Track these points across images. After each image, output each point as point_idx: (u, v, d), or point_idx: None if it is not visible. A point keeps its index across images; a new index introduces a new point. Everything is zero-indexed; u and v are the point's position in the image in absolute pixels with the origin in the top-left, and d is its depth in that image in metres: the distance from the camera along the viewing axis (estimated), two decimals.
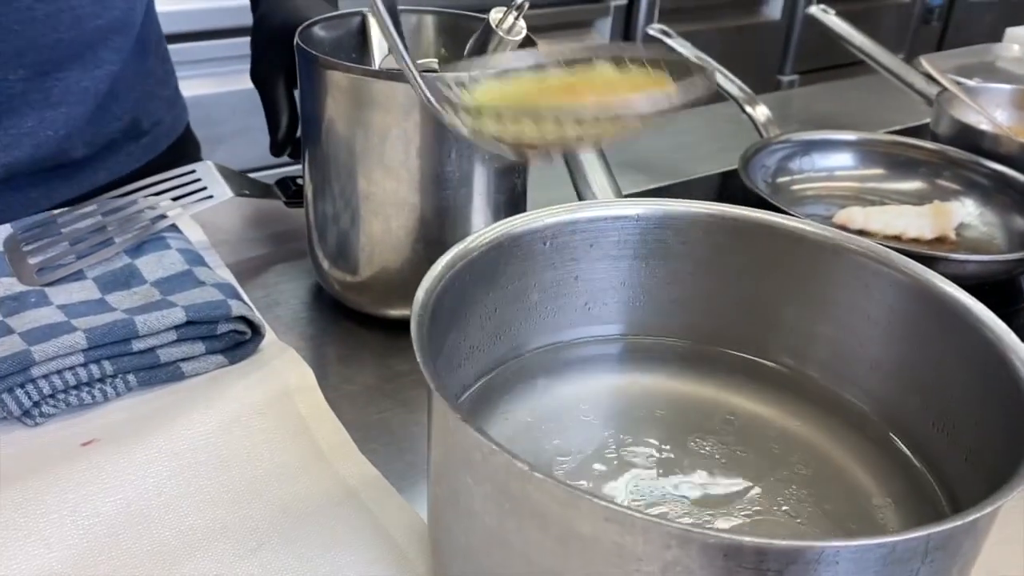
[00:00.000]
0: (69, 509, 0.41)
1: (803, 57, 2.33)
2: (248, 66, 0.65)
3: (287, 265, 0.64)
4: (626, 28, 1.99)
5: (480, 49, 0.50)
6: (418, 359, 0.33)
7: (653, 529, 0.26)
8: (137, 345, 0.48)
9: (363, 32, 0.59)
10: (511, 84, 0.40)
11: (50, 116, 0.63)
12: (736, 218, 0.42)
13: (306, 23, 0.54)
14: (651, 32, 0.86)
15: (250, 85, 0.65)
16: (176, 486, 0.43)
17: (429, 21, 0.58)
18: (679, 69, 0.36)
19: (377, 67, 0.56)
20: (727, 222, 0.43)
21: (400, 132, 0.50)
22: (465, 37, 0.55)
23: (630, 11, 1.98)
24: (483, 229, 0.40)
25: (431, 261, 0.53)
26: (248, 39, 0.66)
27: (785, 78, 2.32)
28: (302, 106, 0.56)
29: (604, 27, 1.95)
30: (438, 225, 0.53)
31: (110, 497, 0.42)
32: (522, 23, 0.47)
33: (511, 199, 0.56)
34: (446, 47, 0.57)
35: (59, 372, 0.46)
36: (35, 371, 0.46)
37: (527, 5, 0.47)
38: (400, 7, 0.56)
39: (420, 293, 0.36)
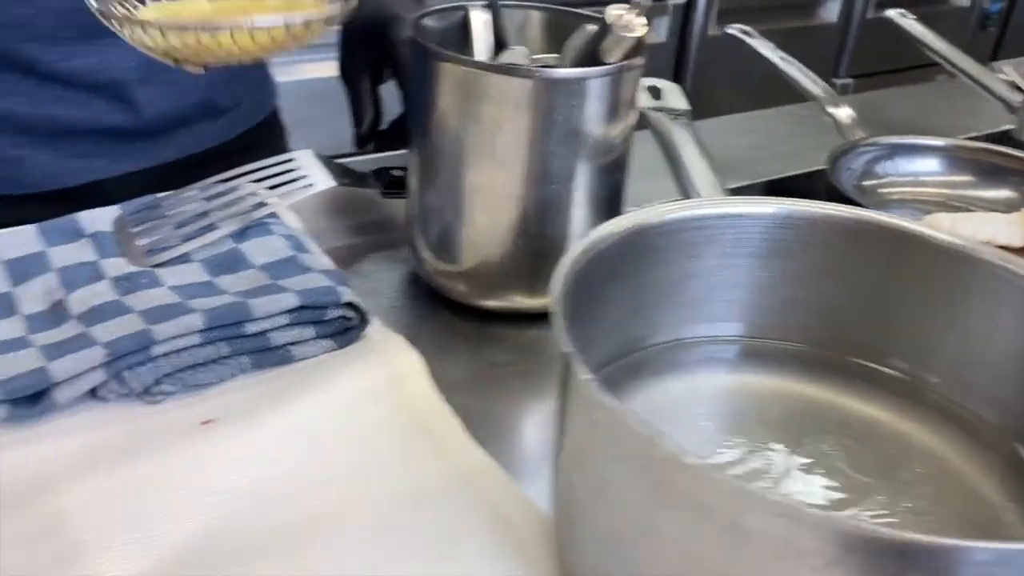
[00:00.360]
0: (196, 487, 0.42)
1: (858, 61, 2.31)
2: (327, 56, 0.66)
3: (381, 254, 0.64)
4: (683, 28, 1.99)
5: (595, 45, 0.50)
6: (565, 349, 0.33)
7: (825, 525, 0.26)
8: (250, 328, 0.49)
9: (465, 27, 0.60)
10: (185, 5, 0.46)
11: None
12: (860, 220, 0.42)
13: (418, 15, 0.55)
14: (731, 31, 0.86)
15: (321, 75, 0.66)
16: (296, 468, 0.44)
17: (535, 17, 0.59)
18: None
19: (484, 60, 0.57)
20: (851, 224, 0.43)
21: (512, 127, 0.50)
22: (568, 34, 0.56)
23: (688, 10, 1.97)
24: (611, 221, 0.40)
25: (532, 254, 0.55)
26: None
27: (839, 81, 2.30)
28: (411, 98, 0.57)
29: (661, 27, 1.95)
30: (541, 219, 0.54)
31: (234, 477, 0.42)
32: (642, 19, 0.48)
33: (612, 195, 0.56)
34: (551, 43, 0.58)
35: (177, 352, 0.48)
36: (155, 350, 0.47)
37: (649, 4, 0.47)
38: (505, 2, 0.57)
39: (557, 284, 0.36)
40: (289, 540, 0.40)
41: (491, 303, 0.58)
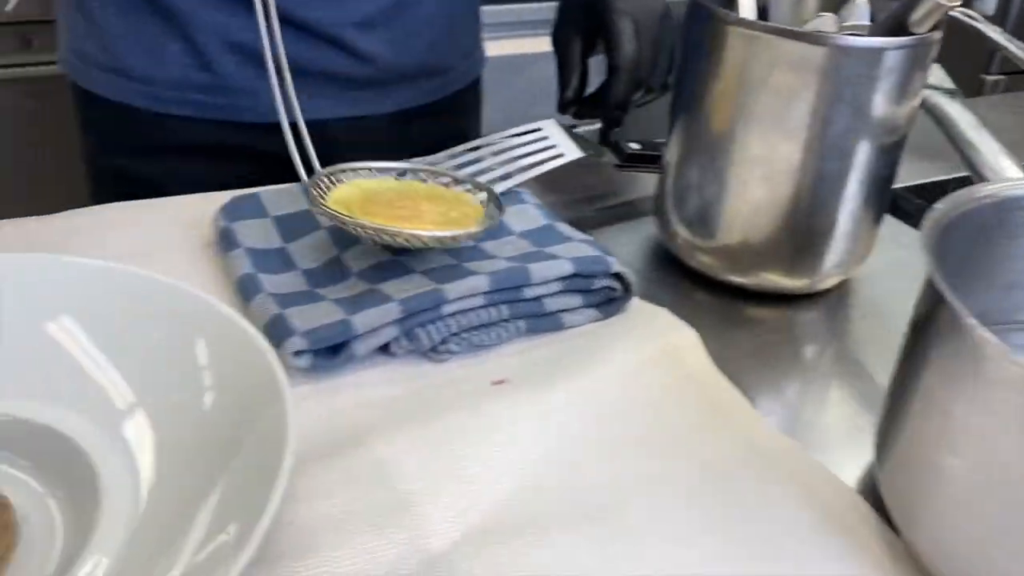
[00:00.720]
0: (496, 448, 0.41)
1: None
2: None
3: (616, 226, 0.64)
4: None
5: (904, 14, 0.48)
6: (967, 323, 0.31)
7: None
8: (528, 293, 0.49)
9: None
10: (363, 186, 0.52)
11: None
12: None
13: None
14: (956, 15, 0.82)
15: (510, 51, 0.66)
16: (591, 433, 0.43)
17: None
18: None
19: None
20: None
21: (803, 95, 0.49)
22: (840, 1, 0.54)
23: None
24: (972, 188, 0.38)
25: (798, 232, 0.53)
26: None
27: (991, 78, 2.20)
28: (682, 66, 0.56)
29: None
30: (814, 196, 0.52)
31: (531, 439, 0.42)
32: None
33: (888, 176, 0.54)
34: (826, 7, 0.56)
35: (464, 312, 0.48)
36: (445, 309, 0.47)
37: None
38: None
39: (928, 240, 0.35)
40: (597, 506, 0.39)
41: (744, 280, 0.56)
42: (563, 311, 0.50)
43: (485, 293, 0.48)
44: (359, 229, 0.48)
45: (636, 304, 0.53)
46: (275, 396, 0.34)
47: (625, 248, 0.62)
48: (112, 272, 0.39)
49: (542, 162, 0.59)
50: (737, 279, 0.57)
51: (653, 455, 0.42)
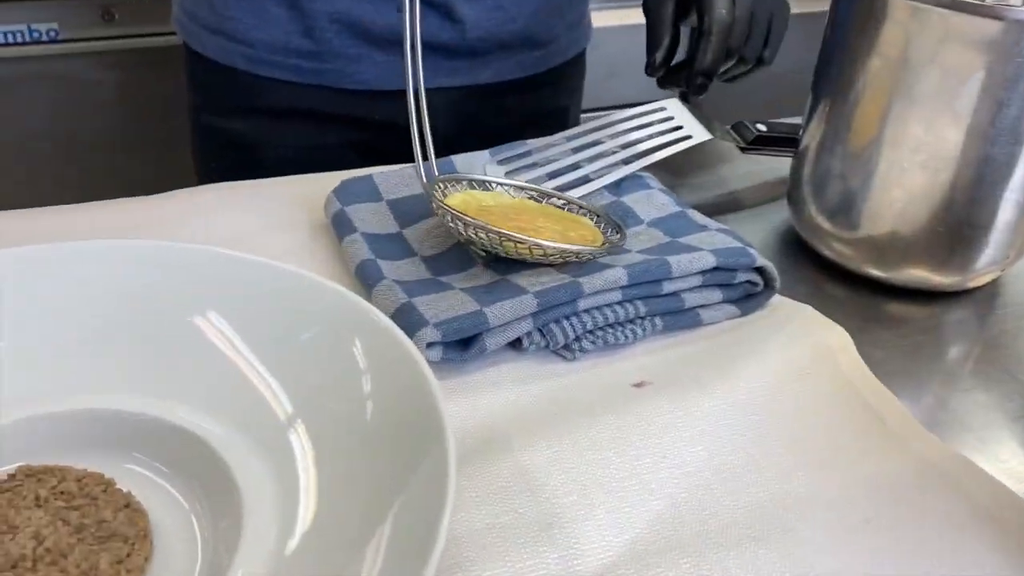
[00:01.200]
0: (644, 458, 0.38)
1: None
2: None
3: (743, 213, 0.60)
4: None
5: None
6: None
7: None
8: (667, 287, 0.45)
9: None
10: (476, 197, 0.49)
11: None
12: None
13: None
14: None
15: None
16: (745, 445, 0.39)
17: None
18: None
19: None
20: None
21: (982, 75, 0.44)
22: None
23: None
24: None
25: (954, 226, 0.49)
26: None
27: None
28: (828, 44, 0.52)
29: None
30: (976, 186, 0.48)
31: (681, 451, 0.39)
32: None
33: None
34: None
35: (599, 308, 0.44)
36: (581, 304, 0.44)
37: None
38: None
39: None
40: (765, 521, 0.36)
41: (887, 274, 0.52)
42: (701, 307, 0.47)
43: (623, 287, 0.44)
44: (480, 233, 0.44)
45: (777, 300, 0.49)
46: (432, 418, 0.31)
47: (752, 237, 0.58)
48: (262, 268, 0.36)
49: (668, 144, 0.55)
50: (879, 273, 0.53)
51: (815, 471, 0.38)
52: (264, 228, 0.52)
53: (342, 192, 0.52)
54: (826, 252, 0.54)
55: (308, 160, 0.64)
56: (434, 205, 0.46)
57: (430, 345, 0.41)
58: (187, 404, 0.33)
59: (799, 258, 0.56)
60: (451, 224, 0.46)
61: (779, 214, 0.60)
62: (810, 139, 0.53)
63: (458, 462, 0.36)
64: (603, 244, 0.47)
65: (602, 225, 0.49)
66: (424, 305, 0.42)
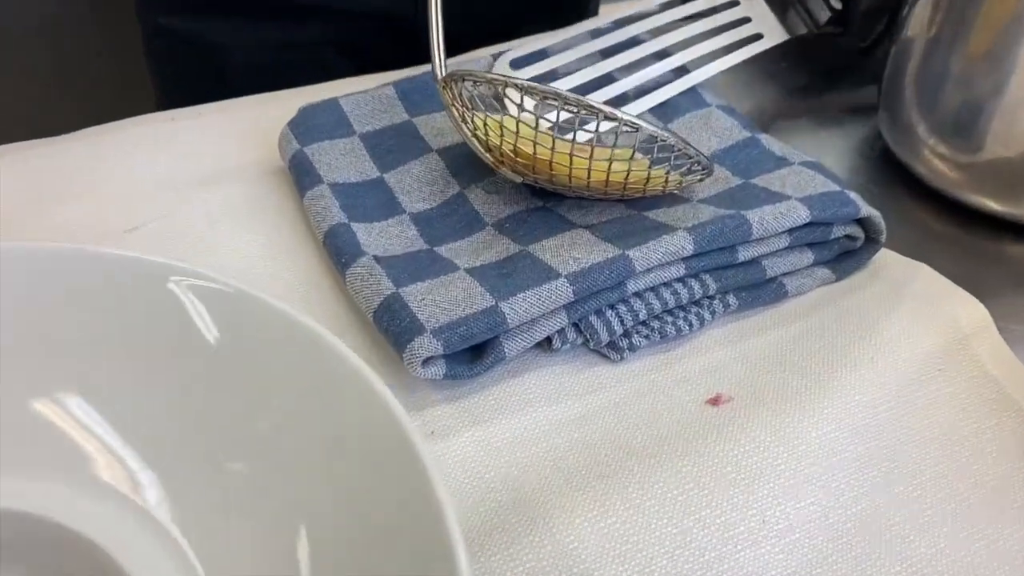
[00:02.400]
0: (755, 510, 0.27)
1: None
2: None
3: (810, 123, 0.47)
4: None
5: None
6: None
7: None
8: (742, 253, 0.34)
9: None
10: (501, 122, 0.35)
11: None
12: None
13: None
14: None
15: None
16: (876, 486, 0.29)
17: None
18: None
19: None
20: None
21: None
22: None
23: None
24: None
25: None
26: None
27: None
28: None
29: None
30: None
31: (797, 500, 0.28)
32: None
33: None
34: None
35: (654, 289, 0.33)
36: (631, 285, 0.32)
37: None
38: None
39: None
40: None
41: (1007, 208, 0.40)
42: (786, 275, 0.35)
43: (686, 258, 0.32)
44: (550, 99, 0.31)
45: (880, 256, 0.37)
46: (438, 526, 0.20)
47: (824, 157, 0.45)
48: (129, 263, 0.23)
49: (732, 47, 0.42)
50: (997, 206, 0.41)
51: (969, 532, 0.28)
52: (200, 178, 0.40)
53: (300, 125, 0.39)
54: (927, 177, 0.42)
55: (277, 64, 0.53)
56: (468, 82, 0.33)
57: (428, 361, 0.29)
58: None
59: (885, 182, 0.44)
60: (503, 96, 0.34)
61: (858, 125, 0.47)
62: (915, 27, 0.40)
63: (472, 537, 0.25)
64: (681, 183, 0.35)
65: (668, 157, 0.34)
66: (417, 298, 0.31)
